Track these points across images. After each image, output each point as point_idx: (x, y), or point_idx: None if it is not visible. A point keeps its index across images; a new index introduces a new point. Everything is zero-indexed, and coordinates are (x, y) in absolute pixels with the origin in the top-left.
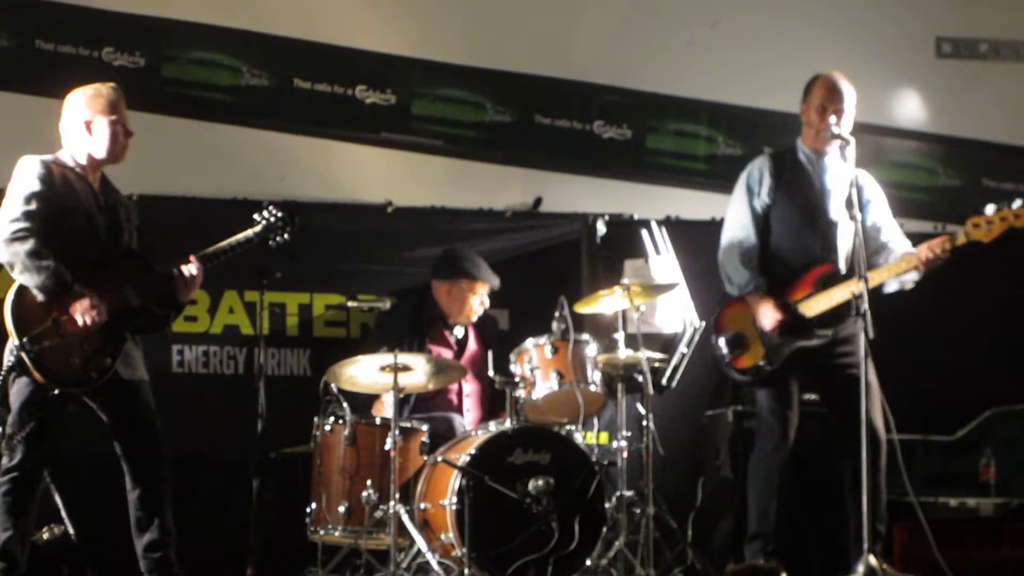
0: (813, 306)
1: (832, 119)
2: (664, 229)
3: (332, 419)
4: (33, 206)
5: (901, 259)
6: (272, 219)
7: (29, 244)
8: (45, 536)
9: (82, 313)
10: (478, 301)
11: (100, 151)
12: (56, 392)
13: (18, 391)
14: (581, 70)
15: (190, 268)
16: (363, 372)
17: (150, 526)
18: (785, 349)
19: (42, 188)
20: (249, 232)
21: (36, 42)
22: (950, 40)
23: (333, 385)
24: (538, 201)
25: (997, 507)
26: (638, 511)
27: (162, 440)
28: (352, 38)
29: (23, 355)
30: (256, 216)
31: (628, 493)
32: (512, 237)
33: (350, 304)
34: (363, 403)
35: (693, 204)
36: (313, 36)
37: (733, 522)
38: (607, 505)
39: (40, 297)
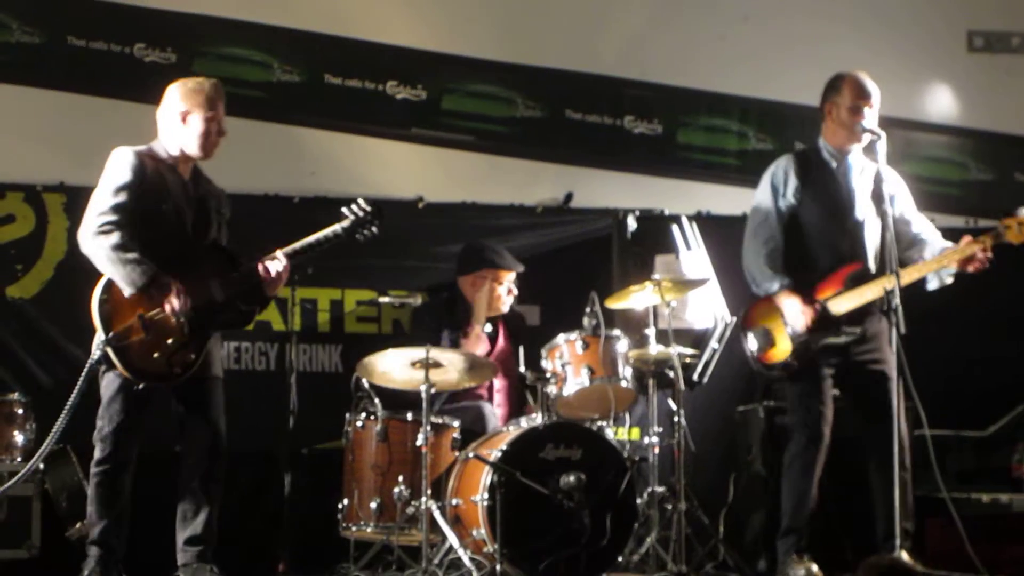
0: (843, 303)
1: (866, 113)
2: (695, 224)
3: (364, 415)
4: (122, 198)
5: (939, 256)
6: (361, 214)
7: (114, 237)
8: (78, 532)
9: (169, 303)
10: (505, 289)
11: (191, 146)
12: (141, 386)
13: (107, 385)
14: (612, 65)
15: (275, 264)
16: (395, 368)
17: (195, 520)
18: (813, 346)
19: (132, 180)
20: (337, 227)
21: (68, 38)
22: (982, 34)
23: (365, 381)
24: (569, 196)
25: None
26: (669, 507)
27: (224, 439)
28: (383, 33)
29: (108, 350)
30: (344, 210)
31: (660, 489)
32: (543, 232)
33: (381, 300)
34: (394, 398)
35: (724, 199)
36: (344, 31)
37: (765, 518)
38: (639, 501)
39: (126, 290)
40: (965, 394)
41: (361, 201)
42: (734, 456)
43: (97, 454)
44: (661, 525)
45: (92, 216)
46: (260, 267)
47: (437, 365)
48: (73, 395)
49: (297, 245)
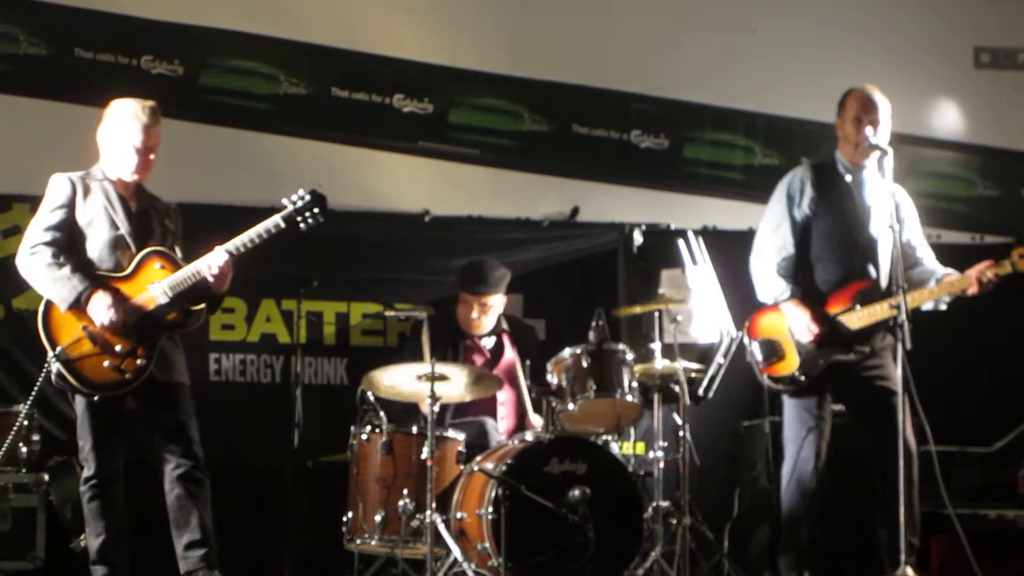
0: (853, 321)
1: (868, 130)
2: (701, 239)
3: (369, 428)
4: (53, 219)
5: (947, 283)
6: (299, 202)
7: (44, 257)
8: (83, 543)
9: (98, 314)
10: (476, 313)
11: (123, 170)
12: (97, 399)
13: (76, 403)
14: (618, 79)
15: (214, 259)
16: (401, 381)
17: (187, 525)
18: (821, 362)
19: (64, 201)
20: (276, 217)
21: (75, 50)
22: (988, 50)
23: (370, 394)
24: (575, 211)
25: None
26: (674, 521)
27: (197, 442)
28: (390, 47)
29: (58, 366)
30: (284, 200)
31: (664, 503)
32: (549, 246)
33: (387, 313)
34: (400, 412)
35: (730, 214)
36: (351, 45)
37: (770, 532)
38: (643, 515)
39: (61, 307)
40: (971, 410)
41: (301, 190)
42: (739, 471)
43: (84, 472)
44: (666, 540)
45: (25, 240)
46: (198, 265)
47: (442, 378)
48: (24, 410)
49: (237, 240)
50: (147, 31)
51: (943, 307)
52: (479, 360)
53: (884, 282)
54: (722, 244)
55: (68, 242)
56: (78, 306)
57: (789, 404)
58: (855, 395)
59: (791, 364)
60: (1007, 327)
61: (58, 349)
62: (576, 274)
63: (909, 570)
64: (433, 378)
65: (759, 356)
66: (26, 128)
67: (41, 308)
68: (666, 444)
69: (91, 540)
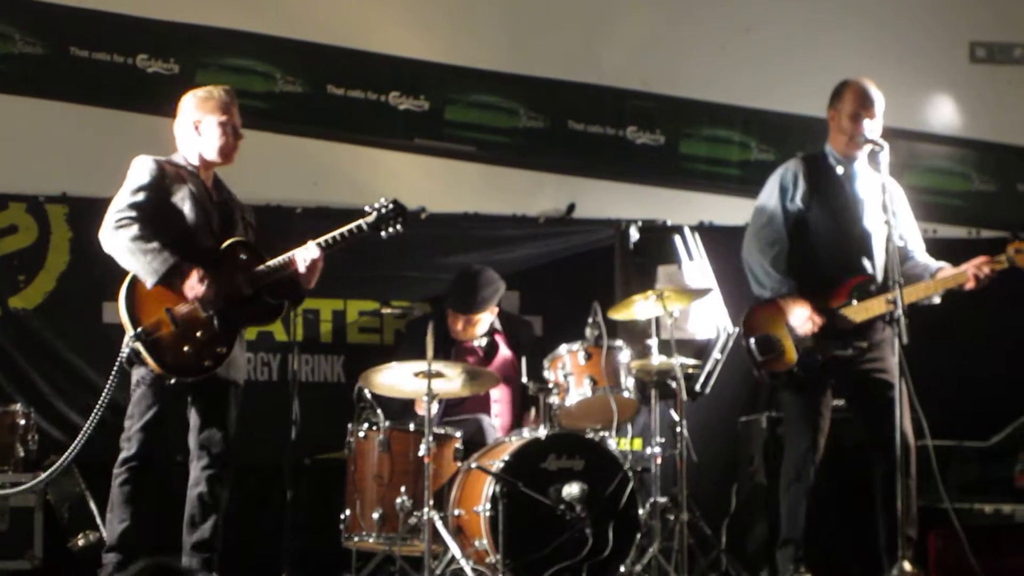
0: (850, 316)
1: (866, 123)
2: (697, 235)
3: (366, 426)
4: (140, 197)
5: (943, 278)
6: (384, 210)
7: (133, 230)
8: (80, 543)
9: (191, 288)
10: (462, 326)
11: (209, 151)
12: (172, 381)
13: (136, 382)
14: (614, 76)
15: (308, 253)
16: (398, 378)
17: (204, 524)
18: (819, 356)
19: (150, 180)
20: (361, 221)
21: (71, 49)
22: (984, 45)
23: (367, 391)
24: (571, 207)
25: None
26: (672, 517)
27: (233, 448)
28: (385, 44)
29: (138, 346)
30: (367, 207)
31: (662, 499)
32: (545, 243)
33: (384, 310)
34: (397, 409)
35: (726, 210)
36: (347, 42)
37: (767, 528)
38: (641, 512)
39: (148, 282)
40: (967, 405)
41: (383, 199)
42: (736, 466)
43: (124, 453)
44: (663, 536)
45: (110, 214)
46: (293, 258)
47: (439, 375)
48: (104, 394)
49: (329, 236)
50: (143, 30)
51: (936, 300)
52: (472, 360)
53: (880, 276)
54: (718, 240)
55: (153, 221)
56: (169, 279)
57: (789, 399)
58: (855, 388)
59: (789, 359)
60: (1004, 322)
61: (139, 329)
62: (573, 270)
63: (907, 564)
64: (431, 375)
65: (756, 352)
66: (22, 127)
67: (125, 286)
68: (663, 440)
69: (113, 525)
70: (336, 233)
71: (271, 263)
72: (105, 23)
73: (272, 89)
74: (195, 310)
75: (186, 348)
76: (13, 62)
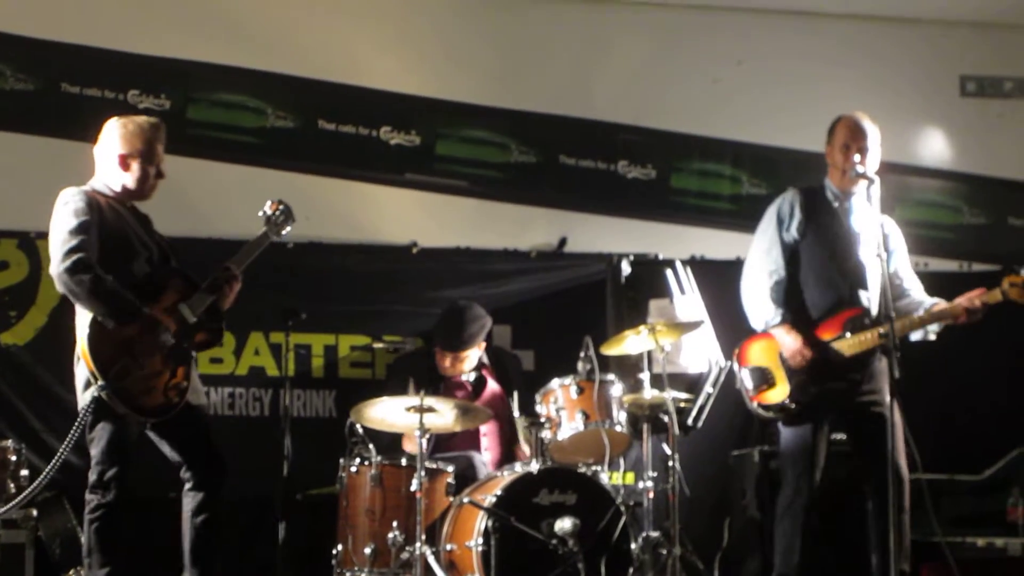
0: (843, 349)
1: (856, 158)
2: (689, 269)
3: (358, 460)
4: (84, 236)
5: (936, 312)
6: (272, 214)
7: (89, 272)
8: None
9: (152, 334)
10: (450, 363)
11: (132, 186)
12: (147, 423)
13: (102, 428)
14: (605, 110)
15: (230, 277)
16: (390, 413)
17: (206, 562)
18: (812, 389)
19: (91, 216)
20: (262, 230)
21: (62, 85)
22: (974, 79)
23: (358, 426)
24: (563, 241)
25: None
26: (664, 552)
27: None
28: (376, 79)
29: (110, 395)
30: (259, 214)
31: (654, 534)
32: (537, 277)
33: (375, 345)
34: (388, 443)
35: (717, 243)
36: (337, 78)
37: (760, 562)
38: (633, 546)
39: (108, 323)
40: (960, 438)
41: (268, 203)
42: (729, 500)
43: (98, 499)
44: (656, 570)
45: (61, 255)
46: (222, 280)
47: (431, 410)
48: (67, 441)
49: (237, 257)
50: (134, 66)
51: (932, 337)
52: (460, 394)
53: (875, 309)
54: (710, 274)
55: (103, 257)
56: (131, 320)
57: (785, 432)
58: (852, 422)
59: (782, 391)
60: (997, 356)
61: (109, 376)
62: (564, 304)
63: None
64: (422, 410)
65: (749, 384)
66: (12, 163)
67: (86, 331)
68: (655, 474)
69: (95, 571)
70: (243, 252)
71: (203, 290)
72: (96, 59)
73: (263, 124)
74: (156, 350)
75: (156, 387)
76: (4, 98)
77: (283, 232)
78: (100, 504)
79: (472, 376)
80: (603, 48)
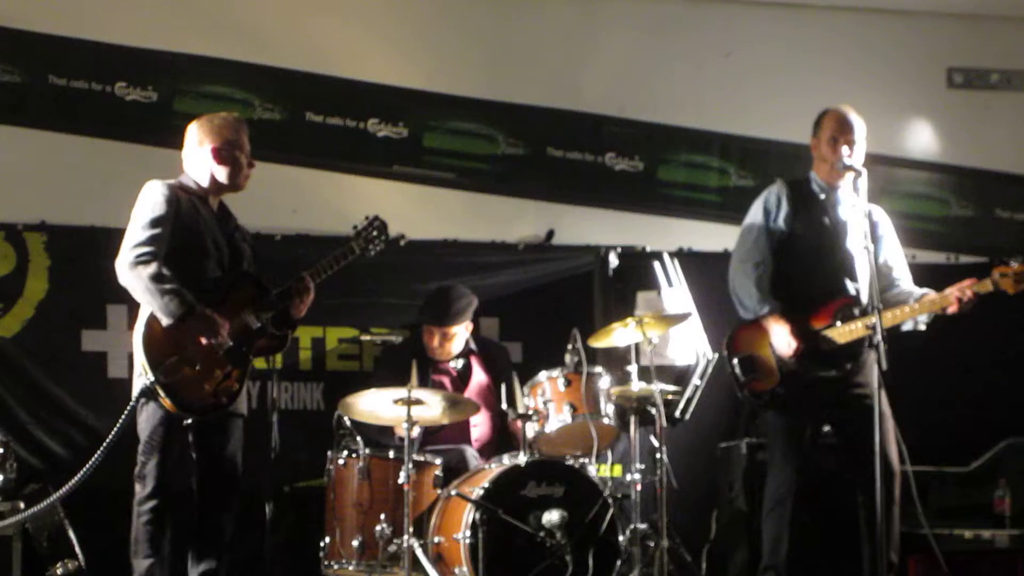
0: (834, 337)
1: (844, 150)
2: (676, 261)
3: (346, 453)
4: (158, 230)
5: (927, 302)
6: (365, 230)
7: (152, 268)
8: (59, 572)
9: (207, 335)
10: (439, 342)
11: (225, 179)
12: (189, 420)
13: (147, 419)
14: (593, 102)
15: (303, 286)
16: (377, 405)
17: (210, 555)
18: (803, 376)
19: (167, 212)
20: (351, 244)
21: (49, 77)
22: (961, 70)
23: (346, 418)
24: (550, 234)
25: (1012, 539)
26: (652, 544)
27: (239, 476)
28: (364, 71)
29: (157, 387)
30: (352, 230)
31: (642, 526)
32: (525, 270)
33: (363, 337)
34: (375, 433)
35: (705, 236)
36: (325, 70)
37: (747, 554)
38: (621, 538)
39: (164, 321)
40: (947, 430)
41: (366, 217)
42: (716, 493)
43: (143, 491)
44: (643, 562)
45: (128, 248)
46: (292, 288)
47: (419, 402)
48: (115, 430)
49: (317, 266)
50: (121, 57)
51: (922, 327)
52: (446, 381)
53: (864, 298)
54: (697, 266)
55: (169, 255)
56: (184, 320)
57: (772, 421)
58: (839, 412)
59: (772, 379)
60: (984, 347)
61: (160, 370)
62: (552, 297)
63: None
64: (410, 402)
65: (739, 371)
66: (0, 155)
67: (141, 324)
68: (643, 466)
69: (139, 560)
70: (323, 262)
71: (276, 296)
72: (83, 51)
73: (250, 116)
74: (212, 350)
75: (206, 387)
76: None
77: (371, 249)
78: (146, 496)
79: (460, 363)
80: (591, 40)
